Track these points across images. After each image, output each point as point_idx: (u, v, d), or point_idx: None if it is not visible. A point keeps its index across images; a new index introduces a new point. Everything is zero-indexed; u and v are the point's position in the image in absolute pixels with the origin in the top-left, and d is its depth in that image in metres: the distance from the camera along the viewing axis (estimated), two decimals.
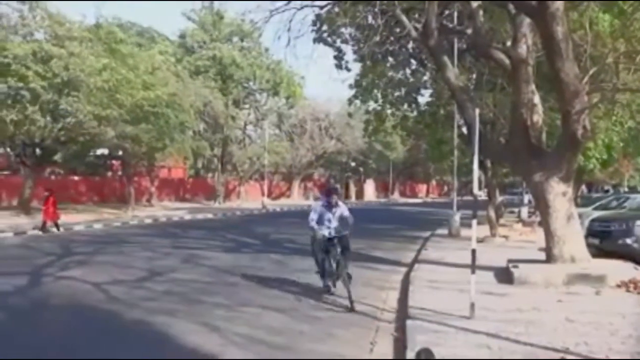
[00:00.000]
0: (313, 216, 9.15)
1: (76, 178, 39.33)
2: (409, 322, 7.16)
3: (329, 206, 9.22)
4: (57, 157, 30.28)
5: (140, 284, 10.38)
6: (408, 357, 5.61)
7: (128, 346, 6.50)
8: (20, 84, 21.95)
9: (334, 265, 8.86)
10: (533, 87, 11.49)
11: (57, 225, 20.60)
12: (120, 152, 35.41)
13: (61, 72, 23.03)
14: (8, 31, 22.53)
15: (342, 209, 9.30)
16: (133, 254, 14.65)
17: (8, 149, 30.00)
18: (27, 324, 7.73)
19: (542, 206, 11.12)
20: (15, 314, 8.20)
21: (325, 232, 9.02)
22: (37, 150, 28.34)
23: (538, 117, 11.52)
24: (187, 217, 30.78)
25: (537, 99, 11.68)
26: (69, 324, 7.71)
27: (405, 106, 25.36)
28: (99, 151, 38.30)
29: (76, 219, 25.53)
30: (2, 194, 33.26)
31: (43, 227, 20.04)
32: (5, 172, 35.48)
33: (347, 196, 63.81)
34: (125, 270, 11.81)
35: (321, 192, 10.52)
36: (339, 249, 8.90)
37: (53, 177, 37.39)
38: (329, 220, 9.15)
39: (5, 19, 24.32)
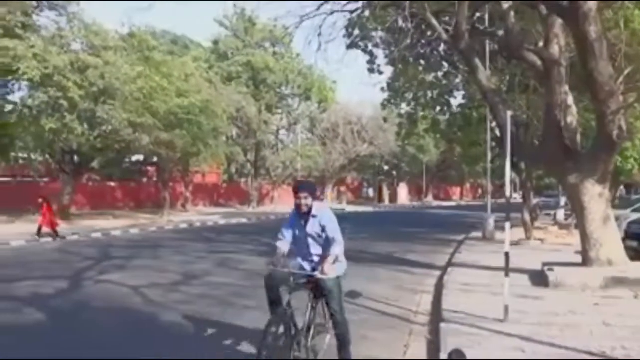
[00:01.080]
0: (284, 233, 5.61)
1: (113, 184, 40.08)
2: (442, 325, 7.15)
3: (300, 215, 5.49)
4: (94, 163, 30.93)
5: (176, 288, 10.57)
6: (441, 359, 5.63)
7: (166, 348, 6.63)
8: (60, 94, 22.48)
9: (304, 322, 5.38)
10: (566, 88, 11.37)
11: (55, 233, 20.39)
12: (155, 158, 35.96)
13: (97, 81, 23.54)
14: (47, 43, 23.08)
15: (322, 220, 5.44)
16: (169, 258, 14.90)
17: (48, 157, 30.74)
18: (68, 324, 7.95)
19: (577, 208, 10.97)
20: (56, 315, 8.42)
21: (297, 266, 5.59)
22: (75, 158, 29.08)
23: (572, 119, 11.39)
24: (222, 221, 31.09)
25: (570, 100, 11.55)
26: (108, 325, 7.90)
27: (438, 109, 25.28)
28: (135, 157, 38.97)
29: (113, 225, 26.02)
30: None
31: (38, 232, 20.11)
32: (46, 179, 36.34)
33: (380, 200, 63.59)
34: (162, 274, 12.05)
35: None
36: (312, 295, 5.47)
37: (90, 183, 38.17)
38: (306, 245, 5.59)
39: (45, 31, 24.98)
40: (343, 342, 5.47)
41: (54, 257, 15.30)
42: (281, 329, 5.03)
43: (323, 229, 5.42)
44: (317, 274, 5.10)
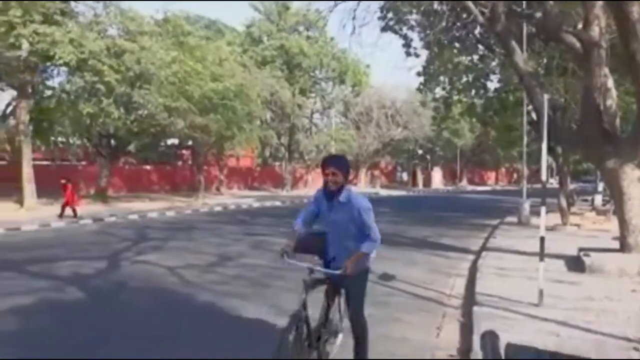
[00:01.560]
0: (301, 212, 5.05)
1: (148, 167, 40.69)
2: (475, 309, 7.15)
3: (328, 195, 4.75)
4: (131, 147, 31.42)
5: (211, 269, 10.75)
6: (474, 342, 5.64)
7: (203, 327, 6.78)
8: (96, 78, 22.84)
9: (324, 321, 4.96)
10: (606, 70, 11.12)
11: (74, 212, 20.93)
12: (190, 142, 36.33)
13: (133, 66, 23.81)
14: (84, 28, 23.41)
15: (355, 206, 4.68)
16: (204, 240, 15.13)
17: (85, 140, 31.33)
18: (107, 304, 8.18)
19: (616, 193, 10.80)
20: (96, 294, 8.66)
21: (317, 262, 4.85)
22: (112, 141, 29.60)
23: (612, 102, 11.15)
24: (256, 204, 31.36)
25: (610, 82, 11.30)
26: (145, 305, 8.11)
27: (473, 92, 25.00)
28: (170, 141, 39.43)
29: (150, 207, 26.47)
30: (80, 183, 34.79)
31: (61, 213, 20.74)
32: (83, 162, 37.10)
33: (414, 184, 63.26)
34: (197, 255, 12.25)
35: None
36: (338, 297, 5.10)
37: (127, 166, 38.82)
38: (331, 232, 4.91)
39: (82, 17, 25.34)
40: (360, 344, 4.88)
41: (92, 238, 15.67)
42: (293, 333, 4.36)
43: (355, 217, 4.65)
44: (339, 272, 4.49)
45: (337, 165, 4.65)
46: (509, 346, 2.60)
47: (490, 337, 2.84)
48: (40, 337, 6.37)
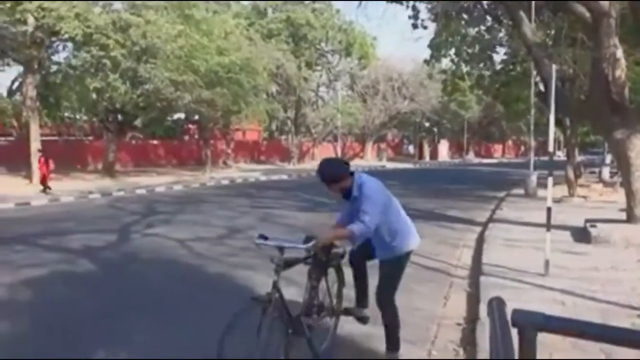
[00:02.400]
0: (339, 218, 5.04)
1: (155, 142, 40.78)
2: (482, 279, 7.23)
3: (344, 196, 4.77)
4: (137, 122, 31.49)
5: (220, 241, 10.87)
6: (481, 311, 5.73)
7: (214, 297, 6.90)
8: (102, 53, 22.81)
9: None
10: (616, 40, 11.00)
11: (45, 186, 20.97)
12: (197, 117, 36.33)
13: (139, 40, 23.75)
14: (89, 3, 23.32)
15: (364, 192, 4.48)
16: (212, 213, 15.25)
17: (92, 116, 31.41)
18: (118, 275, 8.31)
19: (623, 165, 10.79)
20: (107, 266, 8.80)
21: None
22: (119, 116, 29.63)
23: (621, 72, 11.05)
24: (263, 178, 31.45)
25: (619, 53, 11.18)
26: (156, 276, 8.24)
27: (481, 64, 24.82)
28: (176, 116, 39.45)
29: (157, 181, 26.61)
30: (87, 159, 34.96)
31: (43, 186, 20.93)
32: (90, 138, 37.21)
33: (420, 156, 63.17)
34: (206, 228, 12.37)
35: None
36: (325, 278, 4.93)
37: (133, 141, 38.91)
38: None
39: None
40: (389, 335, 4.64)
41: (101, 212, 15.80)
42: (268, 319, 4.06)
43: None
44: (308, 245, 4.30)
45: (326, 176, 4.53)
46: (515, 312, 2.66)
47: (497, 303, 2.90)
48: (53, 308, 6.49)
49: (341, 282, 5.08)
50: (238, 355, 3.72)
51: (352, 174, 4.53)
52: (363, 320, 4.92)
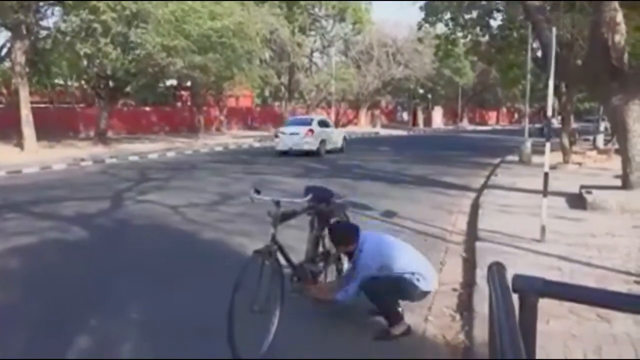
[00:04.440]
0: None
1: (147, 109, 40.39)
2: (478, 244, 7.21)
3: None
4: (129, 89, 31.07)
5: (215, 207, 10.81)
6: (478, 276, 5.70)
7: (208, 263, 6.85)
8: (92, 17, 22.37)
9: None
10: (616, 4, 10.81)
11: None
12: (189, 83, 35.96)
13: (130, 4, 23.31)
14: None
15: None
16: (206, 179, 15.16)
17: (83, 82, 31.01)
18: (111, 241, 8.26)
19: (620, 130, 10.71)
20: (100, 232, 8.73)
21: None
22: (110, 83, 29.19)
23: (620, 37, 10.88)
24: (256, 144, 31.30)
25: (619, 17, 10.99)
26: (149, 242, 8.19)
27: (478, 30, 24.54)
28: (168, 82, 39.00)
29: (150, 148, 26.43)
30: (79, 126, 34.66)
31: None
32: (82, 105, 36.82)
33: (414, 123, 63.00)
34: (200, 194, 12.28)
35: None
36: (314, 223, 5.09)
37: (125, 108, 38.53)
38: None
39: None
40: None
41: (94, 179, 15.68)
42: (268, 270, 4.15)
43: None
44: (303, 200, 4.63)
45: (340, 243, 4.69)
46: (516, 277, 2.59)
47: (497, 269, 2.84)
48: (45, 275, 6.42)
49: None
50: (244, 305, 3.83)
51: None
52: None
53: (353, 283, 4.48)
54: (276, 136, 25.38)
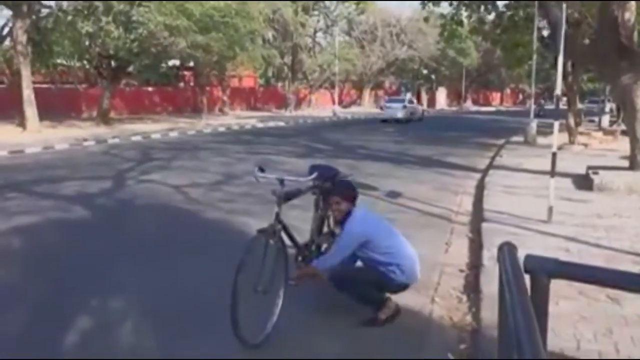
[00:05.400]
0: None
1: (150, 89, 40.13)
2: (484, 225, 7.12)
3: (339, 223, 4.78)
4: (131, 68, 30.84)
5: (217, 187, 10.75)
6: (484, 258, 5.62)
7: (211, 242, 6.78)
8: None
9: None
10: None
11: None
12: (192, 63, 35.69)
13: None
14: None
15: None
16: (209, 160, 15.06)
17: (85, 62, 30.79)
18: (113, 220, 8.22)
19: (628, 110, 10.56)
20: (101, 212, 8.67)
21: None
22: (112, 63, 28.97)
23: (630, 15, 10.67)
24: (259, 125, 31.13)
25: None
26: (152, 221, 8.14)
27: (482, 8, 24.21)
28: (171, 62, 38.72)
29: (153, 128, 26.29)
30: (82, 106, 34.49)
31: None
32: (84, 85, 36.62)
33: (418, 104, 62.66)
34: (202, 174, 12.22)
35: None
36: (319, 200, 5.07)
37: (128, 88, 38.31)
38: None
39: None
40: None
41: (96, 159, 15.58)
42: (272, 249, 4.09)
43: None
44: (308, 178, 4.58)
45: (342, 194, 4.47)
46: (528, 257, 2.51)
47: (508, 249, 2.75)
48: (47, 254, 6.37)
49: None
50: (247, 285, 3.77)
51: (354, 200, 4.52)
52: None
53: (334, 246, 4.38)
54: (381, 109, 38.69)
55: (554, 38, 8.23)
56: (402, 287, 4.37)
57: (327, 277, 4.31)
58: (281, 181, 4.37)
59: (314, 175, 4.54)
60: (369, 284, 4.25)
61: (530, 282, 2.38)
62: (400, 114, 34.38)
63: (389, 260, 4.27)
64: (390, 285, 4.32)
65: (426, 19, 30.85)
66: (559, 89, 7.50)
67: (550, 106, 24.25)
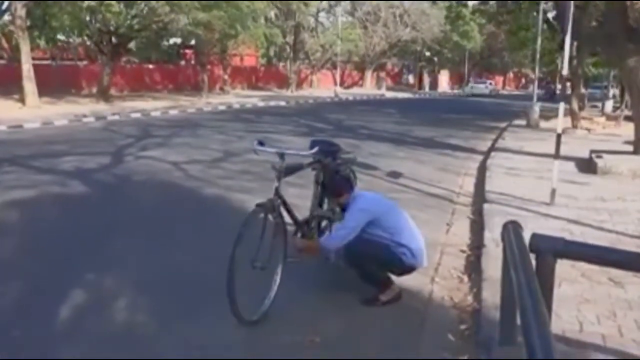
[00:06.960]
0: None
1: (151, 67, 39.86)
2: (486, 206, 7.04)
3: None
4: (132, 45, 30.61)
5: (216, 164, 10.66)
6: (486, 238, 5.54)
7: (208, 219, 6.72)
8: None
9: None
10: None
11: None
12: (193, 41, 35.43)
13: None
14: None
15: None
16: (208, 137, 14.95)
17: (86, 38, 30.54)
18: (110, 196, 8.18)
19: (634, 93, 10.46)
20: (99, 187, 8.60)
21: None
22: (113, 39, 28.72)
23: None
24: (260, 104, 30.94)
25: None
26: (151, 197, 8.09)
27: None
28: (172, 40, 38.44)
29: (153, 106, 26.10)
30: (82, 83, 34.27)
31: None
32: (85, 62, 36.38)
33: (420, 86, 62.44)
34: (202, 151, 12.13)
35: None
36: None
37: (128, 65, 38.06)
38: None
39: None
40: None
41: (96, 135, 15.47)
42: (271, 224, 4.00)
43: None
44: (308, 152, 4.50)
45: (333, 193, 4.50)
46: (534, 237, 2.43)
47: (513, 227, 2.67)
48: (43, 229, 6.29)
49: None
50: (245, 261, 3.68)
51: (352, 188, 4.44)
52: None
53: (340, 227, 4.22)
54: (468, 86, 57.50)
55: (562, 19, 8.08)
56: (409, 270, 4.26)
57: (342, 251, 4.17)
58: (281, 155, 4.22)
59: (315, 149, 4.43)
60: (378, 262, 4.13)
61: (536, 262, 2.31)
62: (486, 91, 55.16)
63: (400, 241, 4.13)
64: (399, 266, 4.19)
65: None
66: (565, 69, 7.39)
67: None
